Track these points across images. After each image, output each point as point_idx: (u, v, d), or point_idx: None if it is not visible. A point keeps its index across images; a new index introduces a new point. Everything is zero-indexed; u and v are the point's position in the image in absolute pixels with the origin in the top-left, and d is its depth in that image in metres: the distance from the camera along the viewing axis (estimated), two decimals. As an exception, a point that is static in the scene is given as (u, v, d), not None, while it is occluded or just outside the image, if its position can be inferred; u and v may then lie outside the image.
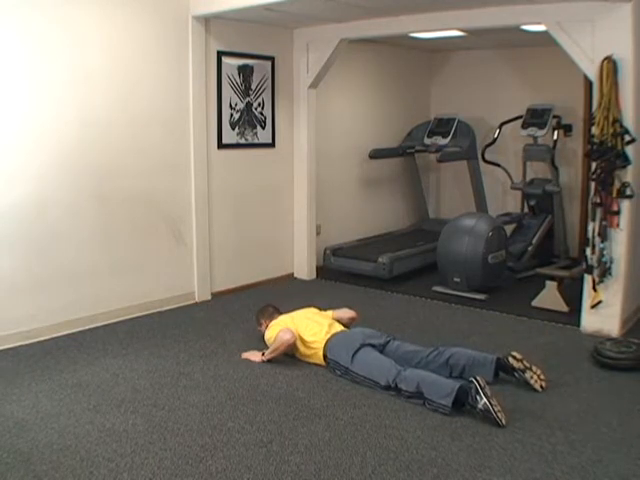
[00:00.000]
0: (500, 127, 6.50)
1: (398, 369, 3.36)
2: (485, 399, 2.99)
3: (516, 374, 3.42)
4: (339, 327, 3.87)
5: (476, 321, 4.73)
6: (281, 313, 4.14)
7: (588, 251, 4.26)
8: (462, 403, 3.10)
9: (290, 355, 3.85)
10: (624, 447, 2.82)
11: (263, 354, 3.83)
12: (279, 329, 3.80)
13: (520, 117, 6.17)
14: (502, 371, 3.47)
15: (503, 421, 2.98)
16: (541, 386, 3.39)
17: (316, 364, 3.76)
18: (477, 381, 3.04)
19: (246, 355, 3.93)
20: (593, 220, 4.22)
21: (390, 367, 3.40)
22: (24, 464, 2.68)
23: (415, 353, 3.60)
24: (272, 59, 5.65)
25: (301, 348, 3.80)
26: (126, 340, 4.26)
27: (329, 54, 5.55)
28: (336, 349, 3.63)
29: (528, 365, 3.42)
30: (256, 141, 5.62)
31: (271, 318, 4.08)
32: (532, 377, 3.39)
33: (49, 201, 4.21)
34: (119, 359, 3.91)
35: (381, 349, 3.63)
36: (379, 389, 3.39)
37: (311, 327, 3.82)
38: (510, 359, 3.43)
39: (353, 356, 3.53)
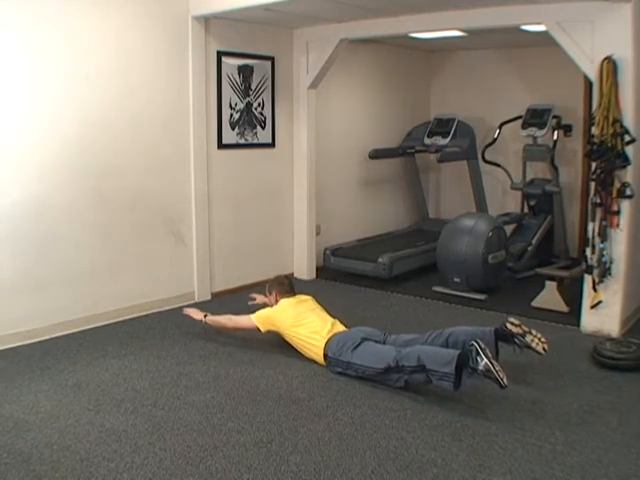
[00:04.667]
0: (500, 127, 6.50)
1: (397, 349, 3.39)
2: (486, 359, 3.00)
3: (516, 340, 3.40)
4: (341, 327, 3.87)
5: (476, 321, 4.70)
6: (294, 294, 4.15)
7: (588, 251, 4.26)
8: (463, 369, 3.11)
9: (290, 354, 3.86)
10: (624, 447, 2.82)
11: (206, 316, 4.07)
12: (270, 315, 3.94)
13: (520, 117, 6.17)
14: (502, 340, 3.46)
15: (504, 380, 2.98)
16: (544, 349, 3.39)
17: (315, 361, 3.76)
18: (477, 344, 3.06)
19: (187, 311, 4.20)
20: (593, 220, 4.22)
21: (389, 350, 3.42)
22: (24, 464, 2.68)
23: (414, 340, 3.62)
24: (272, 59, 5.65)
25: (303, 339, 3.80)
26: (126, 340, 4.26)
27: (329, 54, 5.55)
28: (337, 347, 3.63)
29: (527, 329, 3.42)
30: (256, 141, 5.62)
31: (282, 295, 4.11)
32: (533, 340, 3.38)
33: (49, 201, 4.22)
34: (119, 359, 3.91)
35: (382, 344, 3.65)
36: (380, 375, 3.39)
37: (315, 324, 3.81)
38: (508, 325, 3.43)
39: (354, 350, 3.54)
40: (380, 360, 3.40)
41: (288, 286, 4.21)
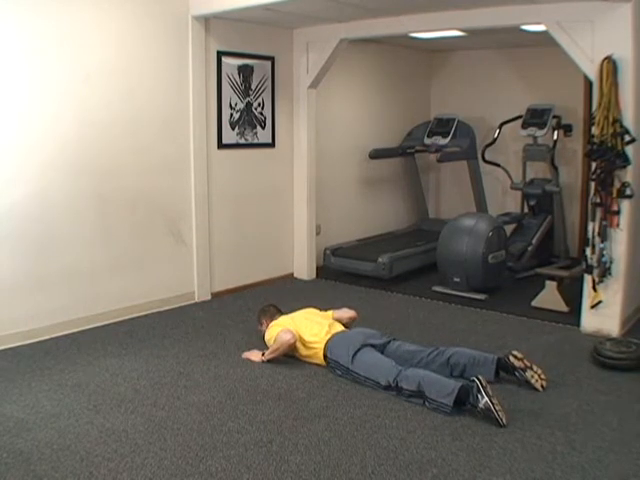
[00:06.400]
0: (500, 127, 6.50)
1: (399, 369, 3.36)
2: (487, 398, 2.99)
3: (517, 373, 3.42)
4: (339, 327, 3.87)
5: (476, 321, 4.73)
6: (282, 313, 4.14)
7: (588, 251, 4.26)
8: (463, 402, 3.10)
9: (290, 355, 3.85)
10: (624, 447, 2.82)
11: (263, 354, 3.84)
12: (279, 329, 3.81)
13: (520, 117, 6.17)
14: (503, 370, 3.47)
15: (504, 420, 2.98)
16: (542, 385, 3.40)
17: (316, 364, 3.76)
18: (479, 380, 3.04)
19: (246, 355, 3.93)
20: (593, 220, 4.22)
21: (391, 367, 3.40)
22: (24, 464, 2.68)
23: (415, 353, 3.60)
24: (272, 59, 5.65)
25: (301, 349, 3.80)
26: (126, 340, 4.26)
27: (329, 54, 5.55)
28: (336, 349, 3.63)
29: (529, 364, 3.42)
30: (256, 141, 5.62)
31: (272, 318, 4.08)
32: (533, 376, 3.39)
33: (49, 201, 4.21)
34: (119, 359, 3.91)
35: (381, 349, 3.63)
36: (380, 389, 3.39)
37: (311, 327, 3.82)
38: (511, 358, 3.43)
39: (353, 356, 3.53)
40: (380, 375, 3.39)
41: (274, 309, 4.20)
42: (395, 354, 3.59)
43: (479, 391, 3.02)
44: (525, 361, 3.43)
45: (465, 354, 3.53)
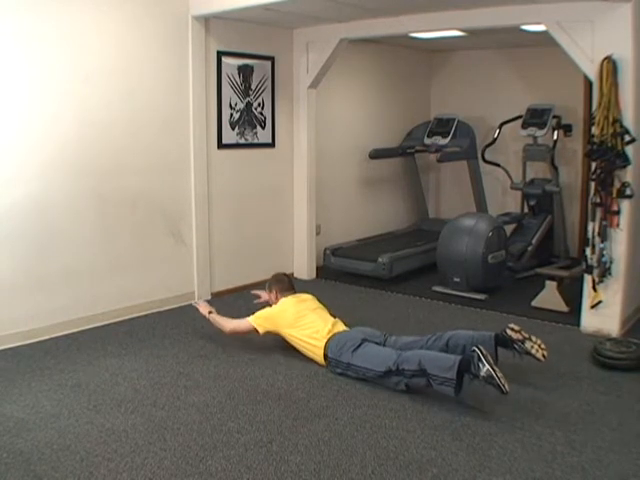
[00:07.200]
0: (500, 127, 6.50)
1: (398, 353, 3.39)
2: (488, 366, 3.01)
3: (516, 346, 3.41)
4: (341, 327, 3.87)
5: (476, 321, 4.73)
6: (294, 291, 4.18)
7: (588, 251, 4.26)
8: (465, 375, 3.12)
9: (290, 354, 3.86)
10: (624, 447, 2.82)
11: (210, 312, 4.07)
12: (269, 319, 3.91)
13: (520, 117, 6.17)
14: (502, 346, 3.45)
15: (506, 387, 2.99)
16: (543, 355, 3.39)
17: (315, 362, 3.76)
18: (479, 349, 3.07)
19: (198, 303, 4.22)
20: (593, 220, 4.22)
21: (390, 353, 3.43)
22: (24, 464, 2.68)
23: (414, 342, 3.62)
24: (272, 59, 5.65)
25: (304, 340, 3.80)
26: (126, 340, 4.26)
27: (329, 54, 5.55)
28: (337, 348, 3.63)
29: (527, 335, 3.42)
30: (256, 141, 5.63)
31: (282, 293, 4.12)
32: (533, 347, 3.38)
33: (49, 201, 4.22)
34: (119, 359, 3.91)
35: (382, 345, 3.65)
36: (381, 378, 3.39)
37: (316, 324, 3.81)
38: (508, 331, 3.43)
39: (354, 351, 3.54)
40: (381, 362, 3.40)
41: (288, 284, 4.22)
42: (394, 347, 3.60)
43: (480, 360, 3.03)
44: (523, 332, 3.42)
45: (463, 335, 3.54)
